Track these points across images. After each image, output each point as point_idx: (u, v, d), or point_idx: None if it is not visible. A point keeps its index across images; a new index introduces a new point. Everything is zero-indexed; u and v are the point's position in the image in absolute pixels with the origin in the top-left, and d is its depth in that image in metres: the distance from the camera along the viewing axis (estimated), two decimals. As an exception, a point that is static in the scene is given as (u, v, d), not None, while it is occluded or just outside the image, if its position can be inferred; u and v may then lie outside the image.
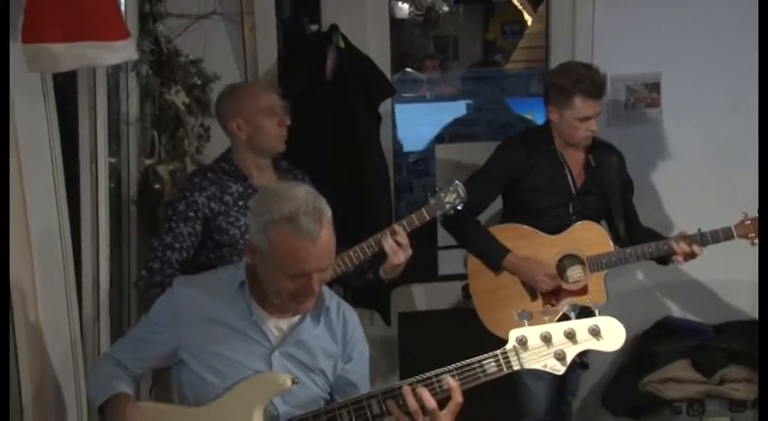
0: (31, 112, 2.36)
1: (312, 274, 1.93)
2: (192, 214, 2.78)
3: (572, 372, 3.36)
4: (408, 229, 2.81)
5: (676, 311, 3.84)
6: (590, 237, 3.12)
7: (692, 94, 3.67)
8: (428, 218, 2.86)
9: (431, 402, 1.89)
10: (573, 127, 3.08)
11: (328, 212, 1.95)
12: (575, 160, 3.20)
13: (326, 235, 1.92)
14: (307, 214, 1.89)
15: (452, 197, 2.86)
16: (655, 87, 3.68)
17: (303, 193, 1.95)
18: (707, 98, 3.68)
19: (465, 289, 3.30)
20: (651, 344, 3.72)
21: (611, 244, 3.12)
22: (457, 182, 2.87)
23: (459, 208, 2.88)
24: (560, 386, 3.35)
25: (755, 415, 3.62)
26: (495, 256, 3.14)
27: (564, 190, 3.17)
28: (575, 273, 3.14)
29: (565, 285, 3.11)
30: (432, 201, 2.87)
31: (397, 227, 2.80)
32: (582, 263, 3.11)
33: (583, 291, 3.10)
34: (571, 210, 3.16)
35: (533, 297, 3.14)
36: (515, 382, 3.23)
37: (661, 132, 3.69)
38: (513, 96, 4.62)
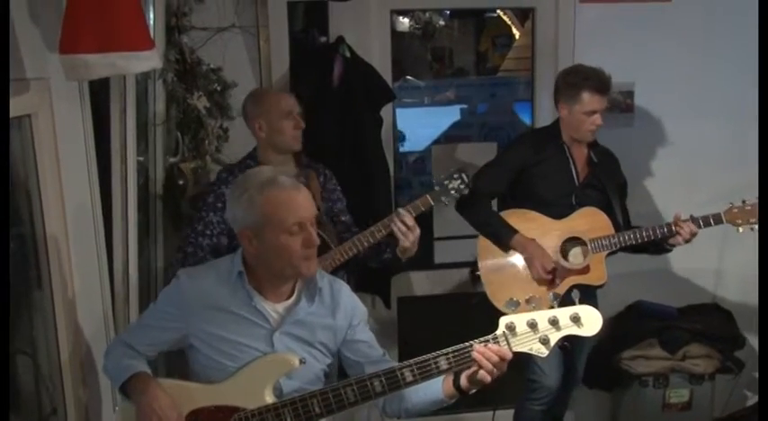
0: (69, 116, 2.39)
1: (307, 224, 1.95)
2: (219, 205, 2.79)
3: (581, 358, 3.40)
4: (414, 214, 2.77)
5: (646, 296, 3.83)
6: (592, 221, 3.10)
7: (661, 100, 3.68)
8: (432, 203, 2.81)
9: None
10: (580, 121, 3.09)
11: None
12: (579, 155, 3.19)
13: (303, 186, 2.00)
14: (280, 175, 1.99)
15: (457, 183, 2.82)
16: (629, 94, 3.68)
17: (266, 168, 2.04)
18: (675, 104, 3.68)
19: (473, 270, 3.24)
20: (624, 324, 3.74)
21: (612, 227, 3.09)
22: (461, 169, 2.83)
23: (464, 193, 2.83)
24: (570, 371, 3.33)
25: (712, 386, 3.67)
26: (503, 236, 3.11)
27: (568, 181, 3.16)
28: (577, 254, 3.11)
29: (568, 265, 3.08)
30: (437, 189, 2.83)
31: (402, 210, 2.76)
32: (584, 245, 3.09)
33: (585, 271, 3.08)
34: (574, 201, 3.14)
35: None
36: (528, 361, 3.20)
37: (634, 134, 3.69)
38: (502, 102, 4.63)
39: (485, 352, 1.87)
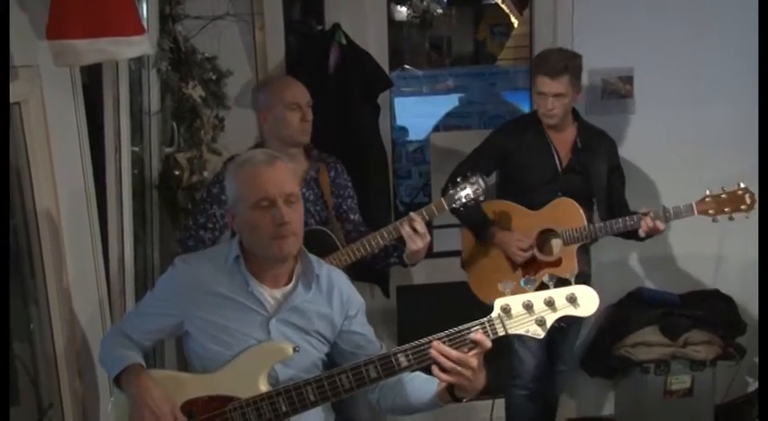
0: (60, 104, 2.34)
1: (277, 200, 1.91)
2: (224, 197, 2.64)
3: (565, 344, 3.35)
4: (427, 218, 2.70)
5: (647, 282, 3.80)
6: (566, 212, 3.03)
7: (660, 86, 3.63)
8: (446, 208, 2.74)
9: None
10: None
11: (283, 158, 2.01)
12: (563, 141, 3.12)
13: (282, 163, 1.97)
14: (262, 153, 2.01)
15: (473, 189, 2.73)
16: (628, 80, 3.63)
17: (262, 149, 2.07)
18: (674, 90, 3.63)
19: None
20: (625, 312, 3.70)
21: (584, 219, 3.01)
22: (477, 174, 2.75)
23: (481, 199, 2.76)
24: (554, 355, 3.29)
25: (714, 372, 3.63)
26: (480, 228, 3.08)
27: (549, 168, 3.09)
28: (558, 245, 3.05)
29: (541, 257, 3.04)
30: (451, 192, 2.75)
31: (414, 215, 2.67)
32: (558, 236, 3.04)
33: (558, 262, 3.03)
34: (557, 189, 3.08)
35: (514, 268, 3.07)
36: (509, 349, 3.19)
37: (633, 120, 3.65)
38: (501, 90, 4.59)
39: (441, 348, 1.81)
